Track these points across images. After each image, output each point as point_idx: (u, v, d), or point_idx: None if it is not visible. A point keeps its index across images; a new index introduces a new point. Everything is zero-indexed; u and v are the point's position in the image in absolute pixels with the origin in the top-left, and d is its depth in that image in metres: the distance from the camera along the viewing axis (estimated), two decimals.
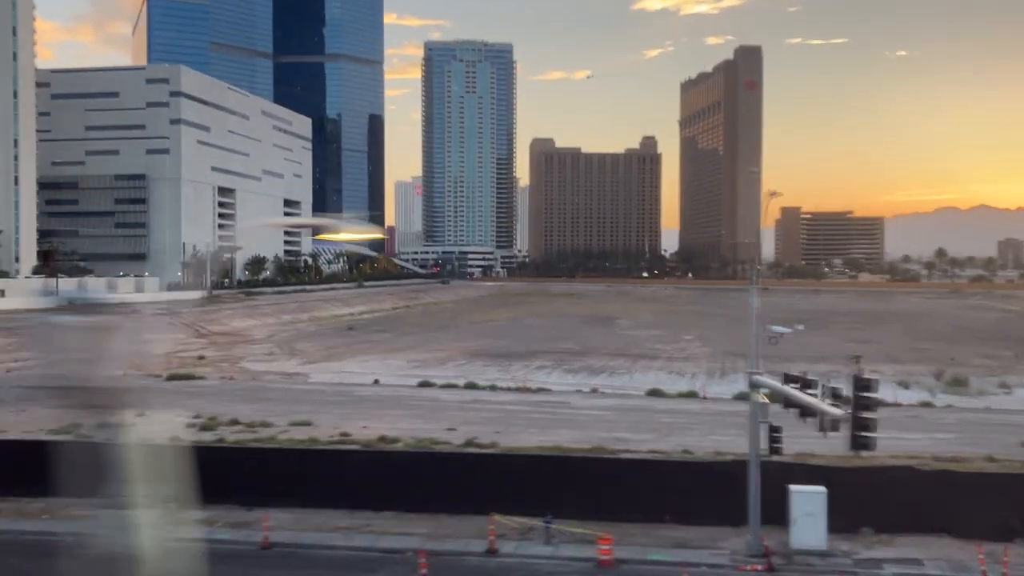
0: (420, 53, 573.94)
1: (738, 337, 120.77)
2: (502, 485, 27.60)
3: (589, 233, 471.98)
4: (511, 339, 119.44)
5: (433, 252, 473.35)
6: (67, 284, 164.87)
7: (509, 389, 54.22)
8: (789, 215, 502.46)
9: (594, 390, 54.55)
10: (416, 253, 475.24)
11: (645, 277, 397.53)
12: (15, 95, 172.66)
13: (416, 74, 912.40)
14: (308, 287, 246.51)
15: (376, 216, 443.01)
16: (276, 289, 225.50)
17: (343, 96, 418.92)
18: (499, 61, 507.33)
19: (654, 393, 53.02)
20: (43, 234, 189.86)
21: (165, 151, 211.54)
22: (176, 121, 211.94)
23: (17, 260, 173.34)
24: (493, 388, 53.50)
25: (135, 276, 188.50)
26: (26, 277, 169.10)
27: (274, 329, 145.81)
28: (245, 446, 30.76)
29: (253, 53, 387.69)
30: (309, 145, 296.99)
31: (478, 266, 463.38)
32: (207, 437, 35.96)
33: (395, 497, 28.15)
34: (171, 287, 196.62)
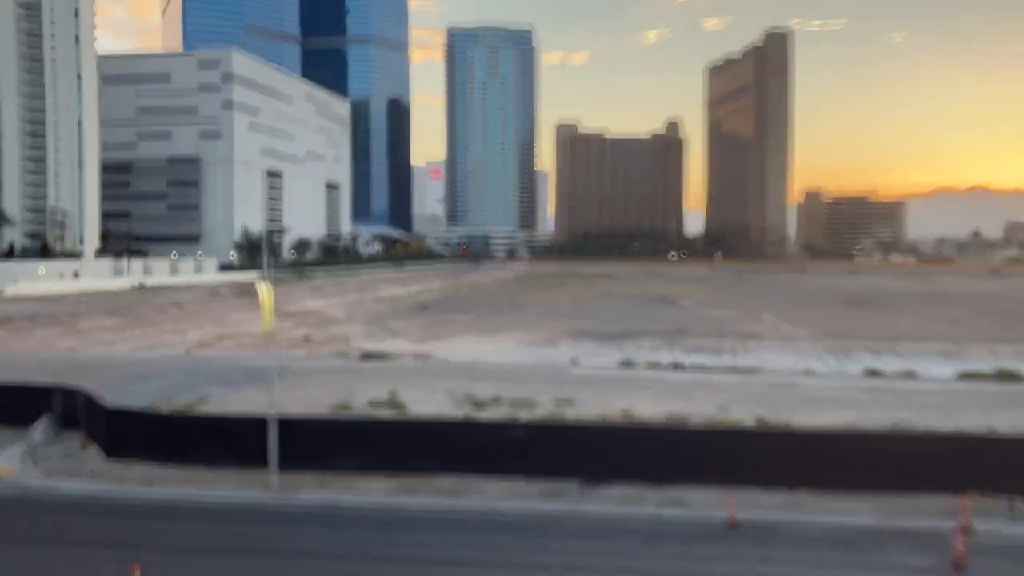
0: (426, 36, 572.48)
1: (818, 317, 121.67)
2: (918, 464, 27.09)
3: (614, 215, 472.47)
4: (595, 320, 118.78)
5: (457, 234, 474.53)
6: (135, 265, 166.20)
7: (723, 369, 54.57)
8: (811, 198, 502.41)
9: (806, 372, 54.94)
10: (440, 235, 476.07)
11: (673, 259, 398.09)
12: (79, 77, 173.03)
13: (434, 58, 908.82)
14: (353, 268, 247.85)
15: (404, 201, 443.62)
16: (325, 270, 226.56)
17: (369, 79, 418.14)
18: (520, 45, 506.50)
19: (873, 374, 53.26)
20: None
21: (217, 134, 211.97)
22: (228, 104, 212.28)
23: (81, 241, 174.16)
24: (703, 368, 53.90)
25: (194, 258, 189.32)
26: (94, 258, 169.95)
27: (348, 309, 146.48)
28: (646, 426, 30.29)
29: (281, 36, 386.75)
30: (347, 128, 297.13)
31: (502, 248, 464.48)
32: (499, 414, 36.43)
33: (811, 475, 27.13)
34: (224, 268, 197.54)
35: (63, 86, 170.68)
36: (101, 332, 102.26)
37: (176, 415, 30.31)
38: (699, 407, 39.09)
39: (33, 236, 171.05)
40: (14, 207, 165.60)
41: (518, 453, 27.50)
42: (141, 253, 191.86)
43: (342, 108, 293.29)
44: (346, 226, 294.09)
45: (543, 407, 39.14)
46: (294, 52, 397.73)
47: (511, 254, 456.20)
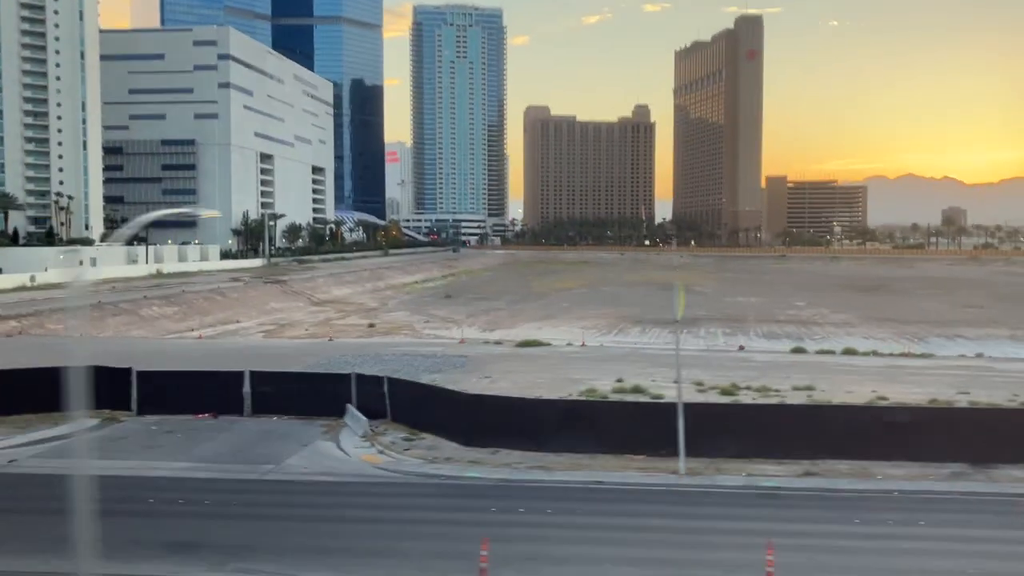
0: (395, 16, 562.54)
1: (844, 303, 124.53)
2: None
3: (585, 201, 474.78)
4: (636, 307, 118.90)
5: (426, 220, 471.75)
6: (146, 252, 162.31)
7: (890, 355, 55.95)
8: (774, 184, 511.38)
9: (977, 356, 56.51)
10: (408, 221, 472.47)
11: (647, 245, 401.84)
12: (82, 56, 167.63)
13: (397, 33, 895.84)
14: (346, 255, 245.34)
15: (377, 186, 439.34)
16: (320, 257, 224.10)
17: (341, 60, 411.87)
18: (489, 26, 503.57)
19: None
20: None
21: (214, 116, 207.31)
22: (225, 85, 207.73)
23: (87, 227, 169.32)
24: (874, 354, 55.28)
25: (199, 245, 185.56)
26: (104, 245, 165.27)
27: (374, 297, 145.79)
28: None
29: (252, 15, 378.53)
30: (331, 111, 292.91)
31: (472, 234, 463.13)
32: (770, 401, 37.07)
33: None
34: (224, 255, 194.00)
35: (66, 65, 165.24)
36: (165, 320, 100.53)
37: (528, 401, 30.42)
38: (941, 391, 40.21)
39: (36, 221, 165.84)
40: (16, 191, 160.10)
41: (899, 437, 28.27)
42: (141, 239, 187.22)
43: (326, 90, 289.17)
44: (331, 212, 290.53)
45: (785, 393, 40.02)
46: (265, 31, 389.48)
47: (482, 240, 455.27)
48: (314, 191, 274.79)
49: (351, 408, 34.21)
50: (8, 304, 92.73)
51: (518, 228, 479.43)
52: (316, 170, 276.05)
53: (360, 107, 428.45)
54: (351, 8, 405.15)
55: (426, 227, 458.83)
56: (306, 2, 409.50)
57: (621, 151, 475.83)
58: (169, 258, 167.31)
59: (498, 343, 63.28)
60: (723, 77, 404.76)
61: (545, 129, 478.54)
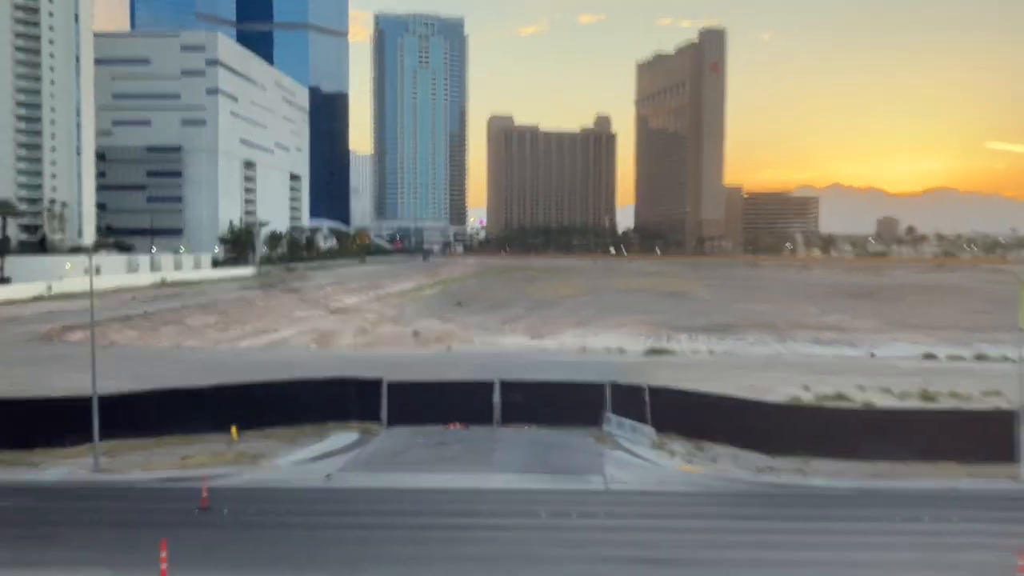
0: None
1: (853, 309, 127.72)
2: None
3: (548, 209, 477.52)
4: (660, 313, 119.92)
5: (387, 227, 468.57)
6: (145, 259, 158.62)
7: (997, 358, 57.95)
8: (730, 193, 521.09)
9: None
10: (369, 229, 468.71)
11: (613, 253, 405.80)
12: (77, 60, 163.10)
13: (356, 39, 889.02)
14: (327, 263, 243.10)
15: (342, 193, 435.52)
16: (305, 265, 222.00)
17: (306, 67, 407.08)
18: (451, 34, 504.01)
19: None
20: None
21: (202, 122, 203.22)
22: (213, 91, 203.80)
23: (80, 234, 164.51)
24: (1005, 358, 57.20)
25: (193, 252, 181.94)
26: (102, 252, 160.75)
27: (385, 305, 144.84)
28: None
29: (217, 20, 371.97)
30: (307, 118, 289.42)
31: (435, 242, 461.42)
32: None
33: None
34: (214, 263, 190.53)
35: (61, 69, 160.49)
36: (209, 330, 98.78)
37: (835, 411, 31.17)
38: None
39: (28, 228, 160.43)
40: (8, 196, 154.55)
41: None
42: (127, 247, 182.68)
43: (303, 97, 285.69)
44: (306, 219, 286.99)
45: (974, 398, 41.52)
46: (230, 35, 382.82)
47: (445, 248, 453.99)
48: (291, 198, 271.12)
49: (613, 416, 34.45)
50: (47, 315, 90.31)
51: (481, 236, 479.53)
52: (293, 177, 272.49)
53: (324, 114, 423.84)
54: (317, 14, 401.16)
55: (388, 234, 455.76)
56: (268, 8, 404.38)
57: (584, 160, 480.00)
58: (166, 267, 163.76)
59: (620, 351, 63.76)
60: (687, 89, 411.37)
61: (509, 138, 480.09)
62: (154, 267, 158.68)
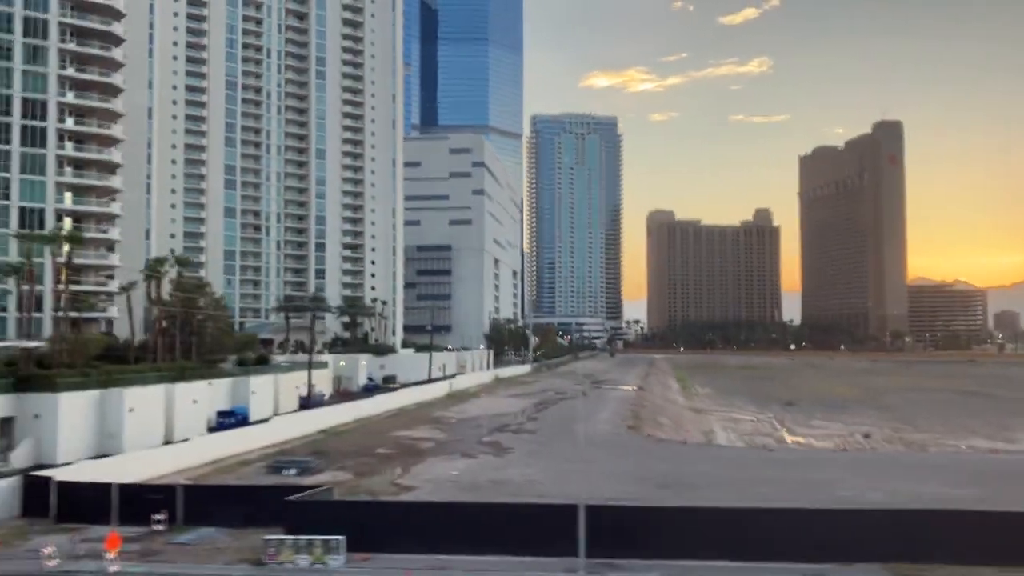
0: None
1: None
2: None
3: (712, 303, 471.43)
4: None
5: (545, 323, 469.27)
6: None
7: None
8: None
9: None
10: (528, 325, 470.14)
11: (793, 349, 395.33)
12: (393, 163, 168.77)
13: None
14: (562, 358, 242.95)
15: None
16: (557, 360, 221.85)
17: None
18: (606, 134, 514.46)
19: None
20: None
21: (468, 221, 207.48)
22: (479, 192, 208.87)
23: (394, 333, 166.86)
24: None
25: (473, 349, 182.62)
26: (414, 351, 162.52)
27: (700, 403, 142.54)
28: None
29: (415, 127, 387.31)
30: (519, 215, 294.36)
31: (595, 338, 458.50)
32: None
33: None
34: None
35: (381, 172, 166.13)
36: (666, 429, 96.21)
37: None
38: None
39: (346, 326, 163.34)
40: (335, 295, 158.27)
41: None
42: (422, 347, 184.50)
43: (518, 196, 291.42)
44: (521, 314, 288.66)
45: None
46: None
47: (610, 343, 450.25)
48: (512, 294, 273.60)
49: None
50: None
51: (644, 331, 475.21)
52: (514, 272, 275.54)
53: None
54: (497, 118, 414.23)
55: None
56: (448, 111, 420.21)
57: (747, 254, 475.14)
58: (470, 364, 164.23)
59: None
60: (865, 180, 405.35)
61: (671, 233, 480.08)
62: (459, 364, 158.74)
